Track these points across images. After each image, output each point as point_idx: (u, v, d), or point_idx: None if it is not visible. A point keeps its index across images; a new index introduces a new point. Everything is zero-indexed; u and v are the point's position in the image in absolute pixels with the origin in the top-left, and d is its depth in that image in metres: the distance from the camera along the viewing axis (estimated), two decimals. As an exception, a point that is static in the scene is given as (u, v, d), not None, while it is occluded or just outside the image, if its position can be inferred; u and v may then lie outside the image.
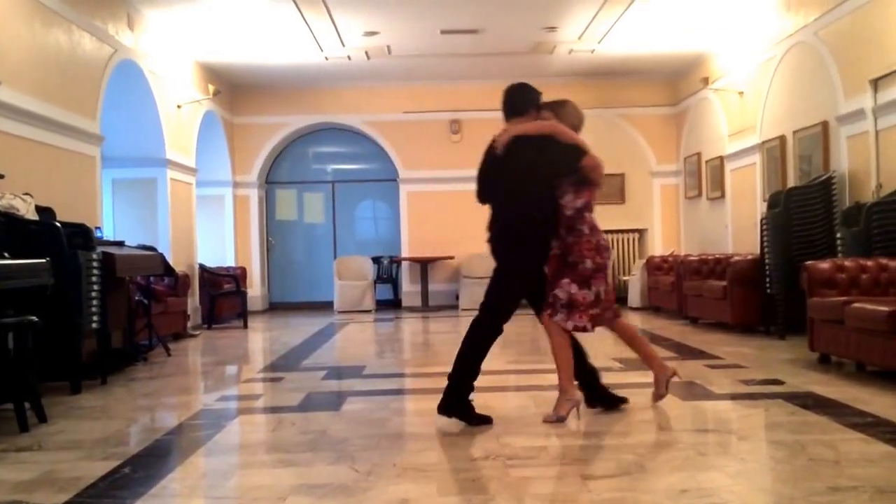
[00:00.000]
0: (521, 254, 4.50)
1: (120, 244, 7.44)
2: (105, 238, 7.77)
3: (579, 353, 4.68)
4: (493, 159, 4.53)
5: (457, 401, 4.38)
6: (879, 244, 6.76)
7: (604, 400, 4.76)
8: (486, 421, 4.38)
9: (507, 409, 5.06)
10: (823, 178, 8.12)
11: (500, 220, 4.57)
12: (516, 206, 4.49)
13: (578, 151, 4.43)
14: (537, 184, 4.46)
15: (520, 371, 6.70)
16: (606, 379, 6.03)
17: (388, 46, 11.35)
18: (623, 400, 4.81)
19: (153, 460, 3.93)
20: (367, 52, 11.60)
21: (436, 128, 13.74)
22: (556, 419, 4.42)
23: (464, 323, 10.86)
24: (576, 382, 4.59)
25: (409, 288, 13.79)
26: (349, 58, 11.82)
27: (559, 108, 4.73)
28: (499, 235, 4.56)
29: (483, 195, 4.69)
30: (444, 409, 4.37)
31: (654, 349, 5.14)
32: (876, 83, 7.50)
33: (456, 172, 13.63)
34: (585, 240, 4.49)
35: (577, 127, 4.69)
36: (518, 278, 4.54)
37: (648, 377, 6.00)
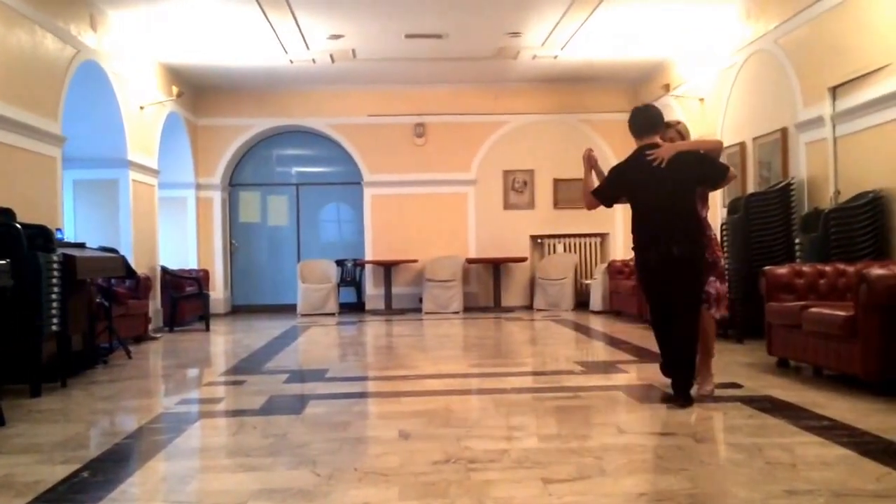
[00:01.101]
0: (697, 250, 5.06)
1: (81, 246, 7.34)
2: (66, 240, 7.65)
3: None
4: (650, 169, 5.02)
5: (678, 373, 5.04)
6: (837, 250, 6.89)
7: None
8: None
9: (469, 412, 5.08)
10: (782, 184, 8.27)
11: (659, 222, 5.06)
12: (682, 210, 5.05)
13: (727, 167, 5.19)
14: (692, 192, 5.11)
15: (482, 374, 6.73)
16: (568, 381, 6.10)
17: (353, 50, 11.34)
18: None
19: (112, 464, 3.88)
20: (331, 55, 11.58)
21: (400, 131, 13.74)
22: (707, 393, 5.12)
23: (427, 326, 10.89)
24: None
25: (372, 291, 13.76)
26: (314, 61, 11.79)
27: (675, 124, 5.48)
28: (664, 234, 5.00)
29: (613, 200, 5.51)
30: (682, 395, 4.95)
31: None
32: (834, 91, 7.65)
33: (420, 176, 13.72)
34: (715, 241, 5.29)
35: (688, 138, 5.49)
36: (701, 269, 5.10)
37: (607, 380, 6.08)
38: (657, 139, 5.18)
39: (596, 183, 5.48)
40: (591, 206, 5.53)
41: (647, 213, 5.13)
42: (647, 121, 5.22)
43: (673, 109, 11.99)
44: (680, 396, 4.94)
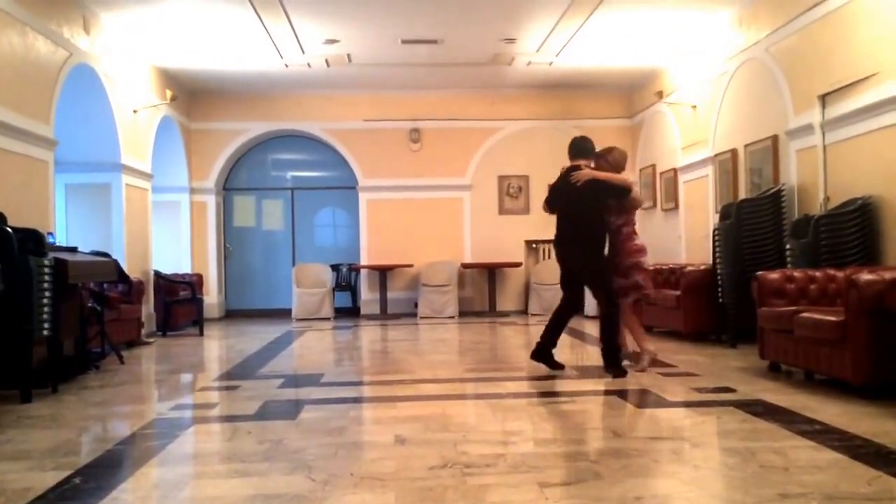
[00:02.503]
0: (596, 253, 6.52)
1: (73, 250, 7.31)
2: (58, 244, 7.63)
3: (562, 325, 6.70)
4: (570, 187, 6.51)
5: (614, 360, 6.39)
6: (827, 255, 6.93)
7: (548, 362, 6.65)
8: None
9: (465, 417, 5.09)
10: (773, 190, 8.31)
11: (566, 229, 6.67)
12: (587, 222, 6.51)
13: (627, 190, 6.55)
14: (595, 208, 6.51)
15: (477, 379, 6.73)
16: (563, 385, 6.12)
17: (349, 54, 11.35)
18: (561, 367, 6.64)
19: (104, 470, 3.87)
20: (327, 60, 11.59)
21: (395, 136, 13.76)
22: (640, 370, 6.46)
23: (423, 330, 10.89)
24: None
25: (367, 296, 13.76)
26: (309, 65, 11.80)
27: (608, 153, 6.86)
28: (567, 239, 6.65)
29: (552, 208, 6.80)
30: (610, 369, 6.37)
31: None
32: (824, 99, 7.70)
33: (415, 181, 13.73)
34: (624, 246, 6.58)
35: (622, 164, 6.87)
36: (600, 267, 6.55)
37: (603, 385, 6.12)
38: (583, 163, 6.64)
39: None
40: (545, 211, 6.97)
41: (560, 218, 6.70)
42: (578, 148, 6.78)
43: (666, 116, 12.06)
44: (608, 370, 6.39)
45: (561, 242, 6.74)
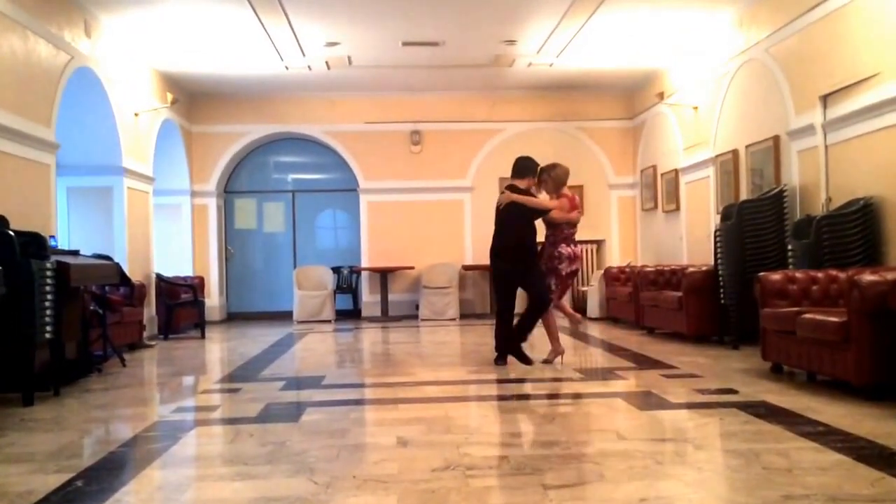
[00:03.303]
0: (529, 259, 7.35)
1: (75, 253, 7.32)
2: (59, 247, 7.64)
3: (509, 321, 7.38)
4: (500, 209, 7.38)
5: (516, 350, 7.26)
6: (829, 256, 6.93)
7: (516, 355, 7.31)
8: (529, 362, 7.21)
9: (468, 419, 5.08)
10: (775, 191, 8.30)
11: (511, 242, 7.32)
12: (516, 235, 7.29)
13: (544, 212, 7.35)
14: (520, 226, 7.31)
15: (480, 381, 6.72)
16: (567, 388, 6.12)
17: (349, 57, 11.36)
18: (529, 362, 7.23)
19: (107, 473, 3.86)
20: (327, 63, 11.59)
21: (396, 138, 13.76)
22: (544, 361, 7.25)
23: (424, 332, 10.88)
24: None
25: (369, 298, 13.76)
26: (310, 68, 11.80)
27: (551, 170, 7.41)
28: (513, 251, 7.29)
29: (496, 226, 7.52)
30: (502, 357, 7.31)
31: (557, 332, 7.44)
32: (825, 99, 7.70)
33: (416, 183, 13.74)
34: (553, 254, 7.39)
35: (563, 180, 7.45)
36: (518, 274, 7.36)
37: (606, 387, 6.11)
38: (519, 183, 7.35)
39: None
40: None
41: (496, 234, 7.46)
42: (518, 168, 7.44)
43: (667, 117, 12.06)
44: (520, 360, 7.25)
45: (495, 253, 7.46)
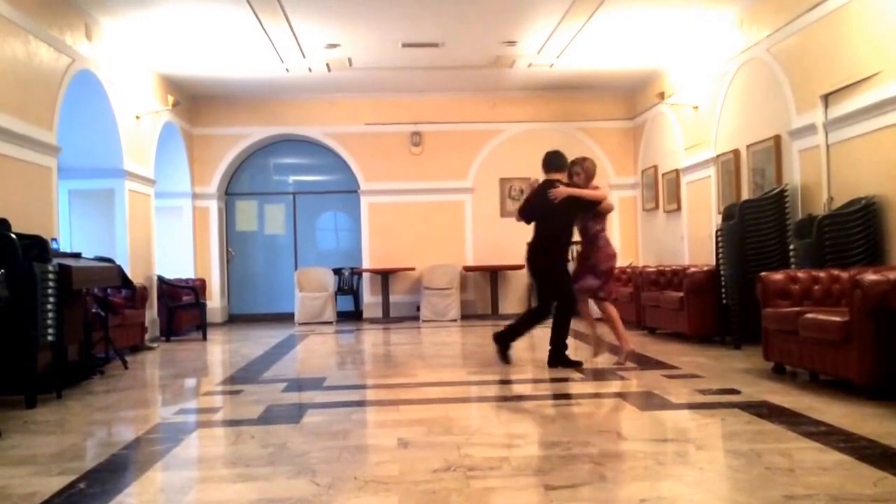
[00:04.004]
0: (562, 259, 7.26)
1: (77, 256, 7.32)
2: (61, 250, 7.64)
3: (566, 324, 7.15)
4: (548, 201, 7.03)
5: (560, 358, 7.01)
6: (831, 256, 6.92)
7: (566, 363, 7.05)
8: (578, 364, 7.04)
9: (469, 420, 5.08)
10: (776, 190, 8.30)
11: (565, 236, 7.17)
12: (569, 230, 7.16)
13: (597, 202, 7.17)
14: (570, 222, 7.18)
15: (481, 382, 6.73)
16: (568, 388, 6.13)
17: (350, 59, 11.36)
18: (579, 364, 7.05)
19: (109, 475, 3.87)
20: (328, 65, 11.60)
21: (397, 140, 13.77)
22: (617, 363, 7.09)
23: (425, 334, 10.89)
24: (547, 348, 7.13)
25: (370, 299, 13.77)
26: (310, 69, 11.81)
27: (582, 162, 7.32)
28: (547, 248, 7.13)
29: (530, 219, 7.27)
30: (552, 364, 7.03)
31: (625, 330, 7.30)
32: (826, 98, 7.70)
33: (417, 184, 13.74)
34: (601, 250, 7.17)
35: (594, 173, 7.35)
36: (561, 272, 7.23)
37: (607, 387, 6.11)
38: (557, 176, 7.15)
39: None
40: (518, 220, 7.44)
41: (536, 230, 7.20)
42: (553, 163, 7.25)
43: (668, 117, 12.05)
44: (570, 365, 6.97)
45: (538, 251, 7.17)
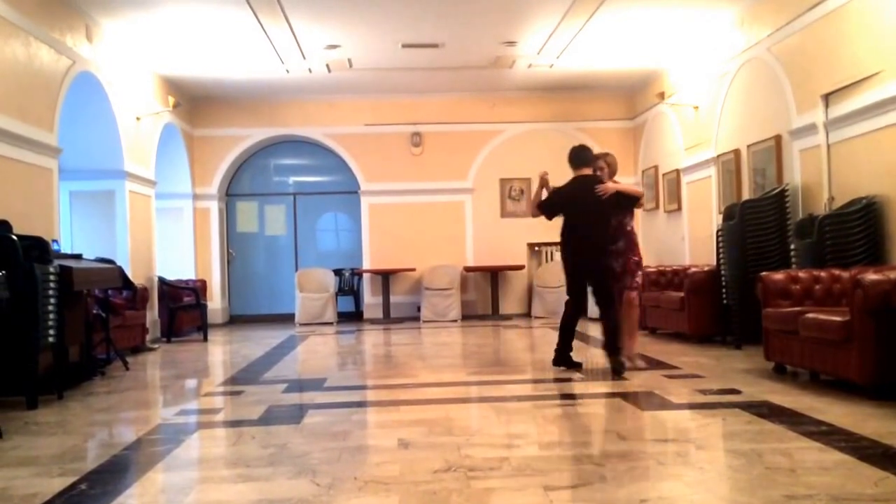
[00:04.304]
0: (606, 258, 6.90)
1: (77, 257, 7.33)
2: (62, 251, 7.65)
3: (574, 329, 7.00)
4: (591, 197, 6.75)
5: (564, 358, 6.87)
6: (832, 255, 6.92)
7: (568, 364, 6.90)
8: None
9: (469, 421, 5.09)
10: (777, 190, 8.29)
11: (591, 236, 6.82)
12: (611, 228, 6.85)
13: (638, 198, 7.10)
14: (610, 217, 6.87)
15: (481, 382, 6.73)
16: (568, 388, 6.12)
17: (350, 60, 11.37)
18: (579, 366, 6.93)
19: (110, 476, 3.87)
20: (328, 65, 11.60)
21: (397, 140, 13.77)
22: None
23: (426, 334, 10.89)
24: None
25: (370, 300, 13.77)
26: (310, 70, 11.81)
27: (605, 157, 7.21)
28: (602, 246, 6.82)
29: (555, 215, 7.08)
30: (557, 364, 6.91)
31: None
32: (827, 98, 7.69)
33: (417, 185, 13.74)
34: (637, 253, 6.99)
35: (616, 166, 7.24)
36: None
37: (607, 387, 6.11)
38: (587, 171, 6.93)
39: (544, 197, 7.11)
40: (535, 215, 7.31)
41: (579, 227, 6.84)
42: (582, 158, 7.01)
43: (668, 117, 12.05)
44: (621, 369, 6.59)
45: (584, 250, 6.84)
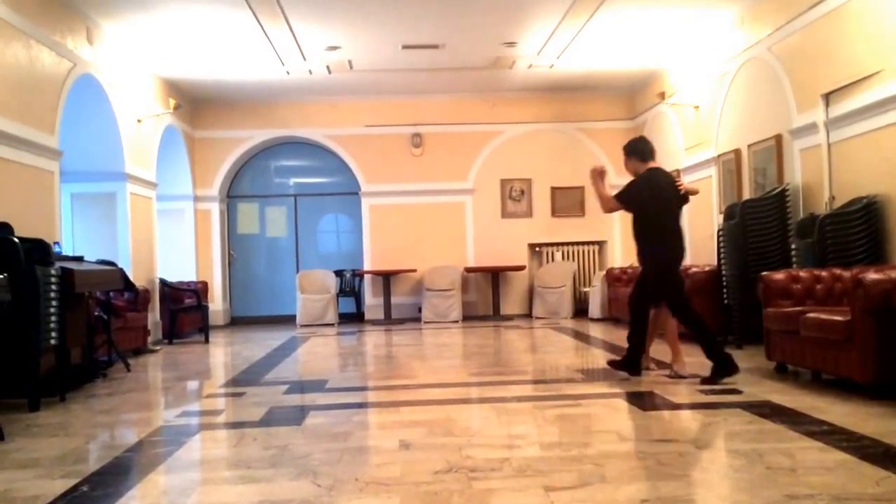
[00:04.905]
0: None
1: (79, 259, 7.34)
2: (64, 253, 7.65)
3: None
4: (666, 190, 6.41)
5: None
6: (833, 255, 6.92)
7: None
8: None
9: (470, 422, 5.09)
10: (778, 190, 8.30)
11: (677, 233, 6.49)
12: (678, 224, 6.55)
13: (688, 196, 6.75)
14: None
15: (482, 383, 6.73)
16: (569, 389, 6.12)
17: (350, 61, 11.37)
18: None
19: (112, 478, 3.88)
20: (328, 67, 11.61)
21: (397, 141, 13.78)
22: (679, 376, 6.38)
23: (427, 335, 10.89)
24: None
25: (371, 301, 13.77)
26: (310, 72, 11.83)
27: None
28: (681, 245, 6.51)
29: (629, 207, 6.60)
30: (621, 368, 6.55)
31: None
32: (827, 97, 7.69)
33: (418, 186, 13.75)
34: None
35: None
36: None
37: (608, 388, 6.11)
38: (654, 164, 6.57)
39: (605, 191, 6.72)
40: (611, 210, 6.80)
41: (664, 224, 6.38)
42: (649, 150, 6.63)
43: (668, 117, 12.05)
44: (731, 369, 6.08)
45: (677, 248, 6.44)
